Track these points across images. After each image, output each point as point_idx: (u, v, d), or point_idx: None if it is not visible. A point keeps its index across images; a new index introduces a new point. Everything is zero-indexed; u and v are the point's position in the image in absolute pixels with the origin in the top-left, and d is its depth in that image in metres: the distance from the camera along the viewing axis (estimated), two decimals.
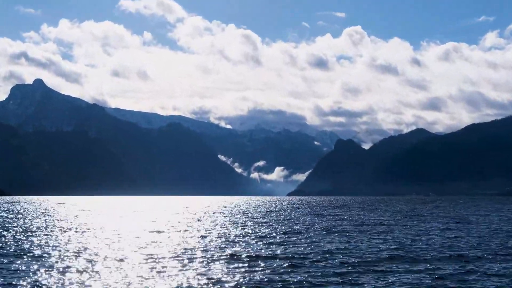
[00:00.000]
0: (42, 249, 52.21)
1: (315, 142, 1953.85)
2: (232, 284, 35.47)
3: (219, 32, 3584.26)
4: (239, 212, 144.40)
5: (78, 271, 39.36)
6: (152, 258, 45.86)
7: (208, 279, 36.81)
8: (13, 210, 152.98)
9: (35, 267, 41.17)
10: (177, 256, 46.99)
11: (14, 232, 71.54)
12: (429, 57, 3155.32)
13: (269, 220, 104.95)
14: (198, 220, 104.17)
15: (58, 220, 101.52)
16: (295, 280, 36.93)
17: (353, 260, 45.08)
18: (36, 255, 47.44)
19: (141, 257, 46.06)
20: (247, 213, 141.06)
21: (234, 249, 52.77)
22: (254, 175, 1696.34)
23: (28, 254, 48.05)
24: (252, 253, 49.25)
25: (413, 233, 71.56)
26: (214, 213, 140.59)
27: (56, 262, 43.57)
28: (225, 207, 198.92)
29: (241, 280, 36.76)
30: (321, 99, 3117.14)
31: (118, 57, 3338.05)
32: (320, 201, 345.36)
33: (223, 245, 55.93)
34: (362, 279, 37.23)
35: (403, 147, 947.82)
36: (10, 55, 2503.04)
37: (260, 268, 41.34)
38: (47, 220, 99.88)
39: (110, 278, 36.68)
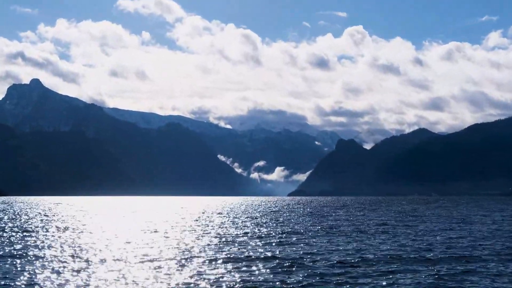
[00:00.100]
0: (38, 249, 51.82)
1: (316, 142, 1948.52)
2: (231, 284, 35.08)
3: (219, 32, 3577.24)
4: (239, 212, 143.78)
5: (74, 271, 38.95)
6: (150, 258, 45.42)
7: (207, 279, 36.47)
8: (8, 210, 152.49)
9: (31, 267, 40.73)
10: (175, 257, 46.53)
11: (10, 233, 71.17)
12: (432, 57, 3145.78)
13: (269, 220, 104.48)
14: (197, 220, 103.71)
15: (54, 220, 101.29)
16: (294, 280, 36.46)
17: (353, 261, 44.67)
18: (32, 256, 46.97)
19: (138, 258, 45.64)
20: (247, 213, 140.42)
21: (233, 249, 52.52)
22: (254, 175, 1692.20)
23: (24, 255, 47.69)
24: (251, 254, 48.90)
25: (415, 233, 71.18)
26: (213, 213, 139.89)
27: (52, 262, 43.19)
28: (225, 207, 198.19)
29: (240, 280, 36.34)
30: (322, 99, 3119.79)
31: (116, 57, 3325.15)
32: (321, 201, 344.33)
33: (222, 245, 55.63)
34: (362, 279, 36.80)
35: (405, 147, 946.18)
36: (7, 55, 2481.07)
37: (259, 268, 40.97)
38: (43, 220, 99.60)
39: (106, 279, 36.24)
